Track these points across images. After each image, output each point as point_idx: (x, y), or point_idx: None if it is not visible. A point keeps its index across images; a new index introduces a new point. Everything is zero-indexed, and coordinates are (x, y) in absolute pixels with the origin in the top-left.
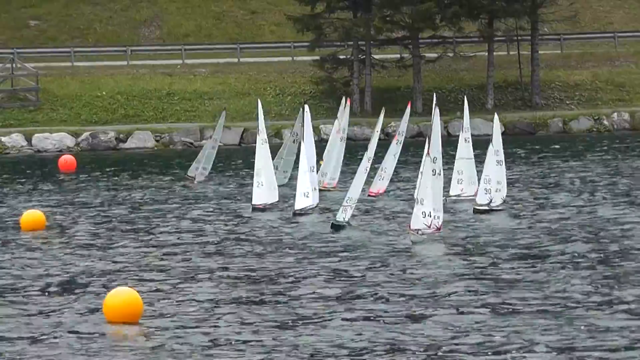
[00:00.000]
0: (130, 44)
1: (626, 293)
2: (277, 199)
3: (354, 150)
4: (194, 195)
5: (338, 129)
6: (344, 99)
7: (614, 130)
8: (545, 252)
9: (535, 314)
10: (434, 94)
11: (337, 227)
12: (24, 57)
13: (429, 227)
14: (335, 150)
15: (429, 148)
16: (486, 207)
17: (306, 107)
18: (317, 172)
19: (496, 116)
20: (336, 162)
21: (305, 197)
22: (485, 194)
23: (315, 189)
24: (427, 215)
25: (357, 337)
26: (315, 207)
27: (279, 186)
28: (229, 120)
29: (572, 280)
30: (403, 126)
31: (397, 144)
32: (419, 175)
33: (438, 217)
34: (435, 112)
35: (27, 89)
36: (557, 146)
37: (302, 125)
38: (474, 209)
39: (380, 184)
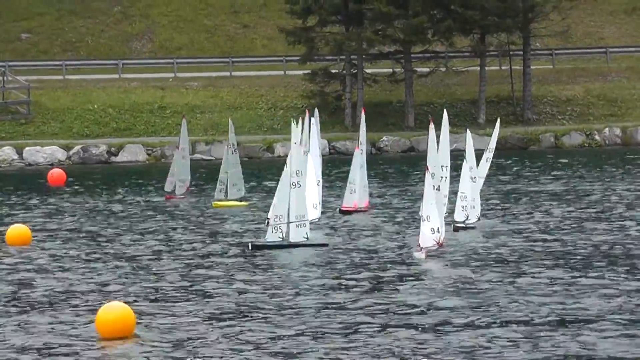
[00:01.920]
0: (122, 57)
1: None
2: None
3: (339, 164)
4: (187, 209)
5: (301, 143)
6: (307, 112)
7: (605, 145)
8: (539, 263)
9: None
10: (444, 109)
11: (258, 247)
12: (16, 70)
13: (438, 242)
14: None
15: (427, 164)
16: (463, 225)
17: (312, 119)
18: None
19: (468, 132)
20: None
21: (314, 208)
22: (462, 211)
23: (319, 202)
24: (435, 231)
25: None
26: (318, 220)
27: (235, 200)
28: (221, 134)
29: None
30: (362, 136)
31: (360, 154)
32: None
33: (442, 233)
34: (431, 127)
35: (18, 102)
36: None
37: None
38: (454, 226)
39: (352, 198)
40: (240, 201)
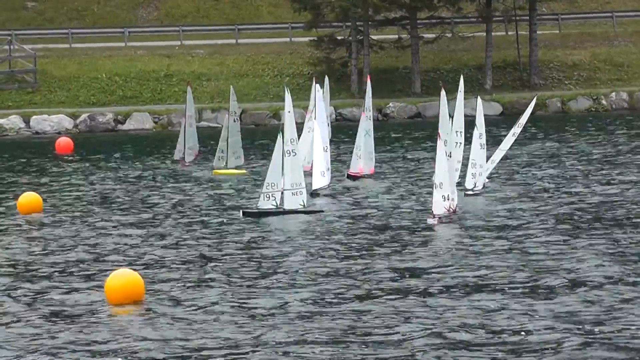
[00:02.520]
0: (128, 25)
1: None
2: (327, 183)
3: (346, 130)
4: (195, 176)
5: (308, 111)
6: (314, 80)
7: (612, 110)
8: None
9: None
10: (461, 75)
11: (250, 215)
12: (22, 39)
13: (448, 210)
14: (307, 132)
15: (439, 131)
16: (472, 192)
17: (317, 86)
18: None
19: (479, 99)
20: (310, 144)
21: (322, 176)
22: (472, 178)
23: (328, 169)
24: (446, 198)
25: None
26: (328, 187)
27: (234, 167)
28: (227, 101)
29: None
30: (368, 101)
31: (366, 119)
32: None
33: (453, 199)
34: (442, 94)
35: (24, 71)
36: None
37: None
38: (464, 193)
39: (359, 163)
40: (239, 169)
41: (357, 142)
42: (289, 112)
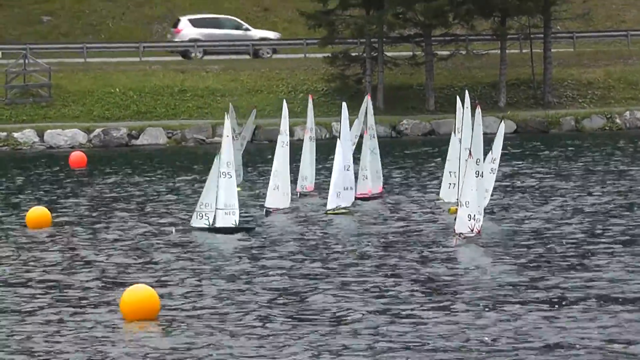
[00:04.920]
0: (143, 40)
1: None
2: (288, 205)
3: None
4: (188, 195)
5: (306, 129)
6: (310, 96)
7: (625, 129)
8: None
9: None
10: (469, 92)
11: (182, 232)
12: (37, 53)
13: (472, 230)
14: (307, 151)
15: (471, 149)
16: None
17: (344, 103)
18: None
19: (502, 124)
20: (310, 163)
21: (337, 197)
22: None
23: (350, 188)
24: (471, 218)
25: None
26: (349, 207)
27: None
28: (239, 117)
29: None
30: (371, 120)
31: (370, 138)
32: (457, 176)
33: (479, 220)
34: (477, 112)
35: (39, 85)
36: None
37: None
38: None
39: (365, 184)
40: (238, 186)
41: (362, 163)
42: (227, 136)
